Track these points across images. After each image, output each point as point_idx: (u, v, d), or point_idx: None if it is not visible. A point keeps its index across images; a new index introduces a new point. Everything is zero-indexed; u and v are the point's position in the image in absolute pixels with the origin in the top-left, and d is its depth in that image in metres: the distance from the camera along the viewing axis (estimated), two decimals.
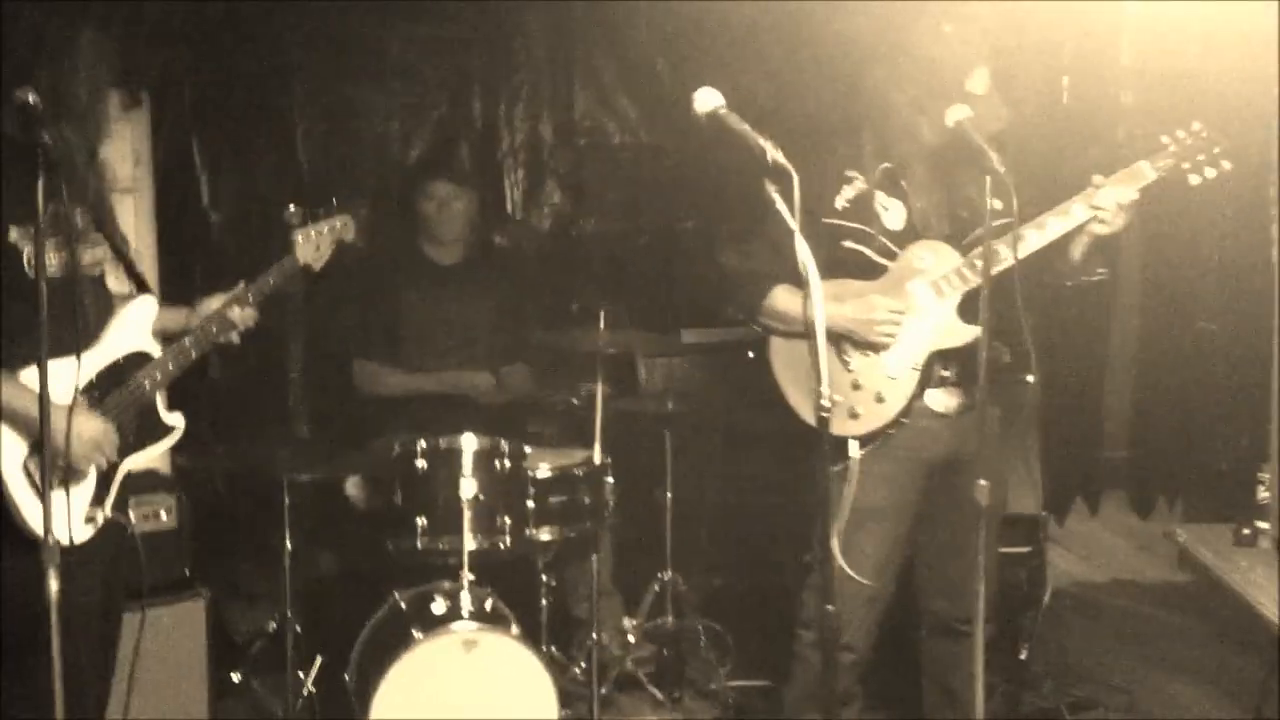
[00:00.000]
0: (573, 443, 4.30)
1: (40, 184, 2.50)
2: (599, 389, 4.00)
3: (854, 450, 3.14)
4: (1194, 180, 3.10)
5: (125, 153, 4.27)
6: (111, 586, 3.01)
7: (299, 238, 3.31)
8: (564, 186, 5.36)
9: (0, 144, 2.74)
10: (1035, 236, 3.11)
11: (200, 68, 4.78)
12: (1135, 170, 3.10)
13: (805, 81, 4.81)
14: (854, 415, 3.21)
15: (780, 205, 2.42)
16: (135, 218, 4.28)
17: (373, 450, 4.16)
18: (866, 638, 3.33)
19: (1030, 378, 3.92)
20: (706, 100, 2.50)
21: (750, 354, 4.06)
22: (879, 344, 3.20)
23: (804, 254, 2.42)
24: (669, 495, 4.36)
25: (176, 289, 3.62)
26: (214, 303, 3.14)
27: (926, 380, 3.23)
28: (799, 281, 3.26)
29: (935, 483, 3.32)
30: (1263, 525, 2.95)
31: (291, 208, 3.39)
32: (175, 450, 3.70)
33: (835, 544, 2.55)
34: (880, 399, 3.21)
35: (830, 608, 2.47)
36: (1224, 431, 5.26)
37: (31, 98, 2.53)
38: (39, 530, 2.67)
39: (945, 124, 2.94)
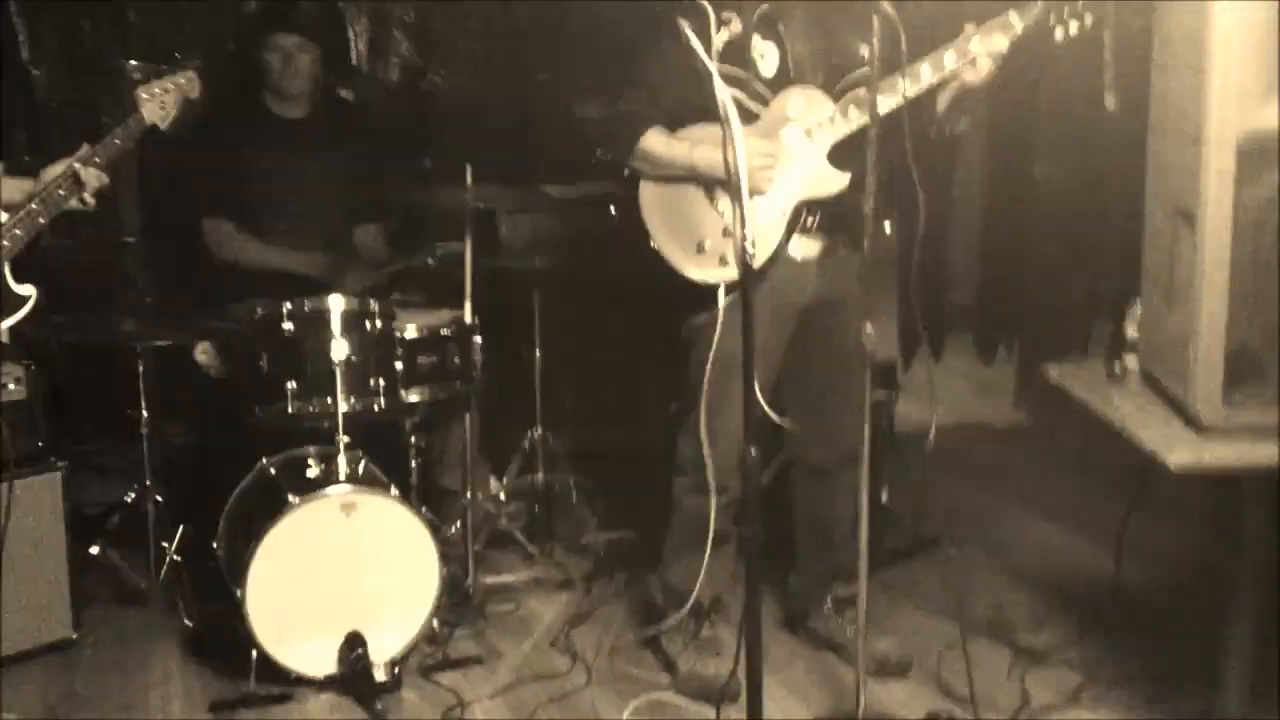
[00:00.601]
0: (434, 304, 4.22)
1: None
2: (467, 246, 3.91)
3: (721, 297, 3.14)
4: (1059, 35, 3.14)
5: None
6: None
7: (144, 94, 3.18)
8: (411, 37, 5.17)
9: None
10: (927, 74, 3.12)
11: None
12: (1005, 21, 3.13)
13: None
14: (723, 261, 3.20)
15: (696, 44, 2.38)
16: None
17: (228, 314, 4.01)
18: (736, 478, 3.39)
19: (887, 225, 4.01)
20: None
21: (613, 209, 4.03)
22: (755, 189, 3.18)
23: (722, 93, 2.39)
24: (538, 353, 4.33)
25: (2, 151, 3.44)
26: (58, 168, 2.99)
27: (794, 226, 3.25)
28: (670, 124, 3.28)
29: (802, 328, 3.36)
30: (1130, 360, 3.07)
31: (132, 63, 3.24)
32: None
33: (756, 388, 2.55)
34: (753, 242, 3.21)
35: (753, 449, 2.48)
36: (1060, 277, 5.46)
37: None
38: None
39: None
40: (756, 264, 3.16)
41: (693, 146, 3.23)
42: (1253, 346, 2.66)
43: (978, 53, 3.12)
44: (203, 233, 4.29)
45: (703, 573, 3.19)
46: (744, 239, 2.45)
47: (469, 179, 3.91)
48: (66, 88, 4.69)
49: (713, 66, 2.42)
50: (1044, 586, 4.00)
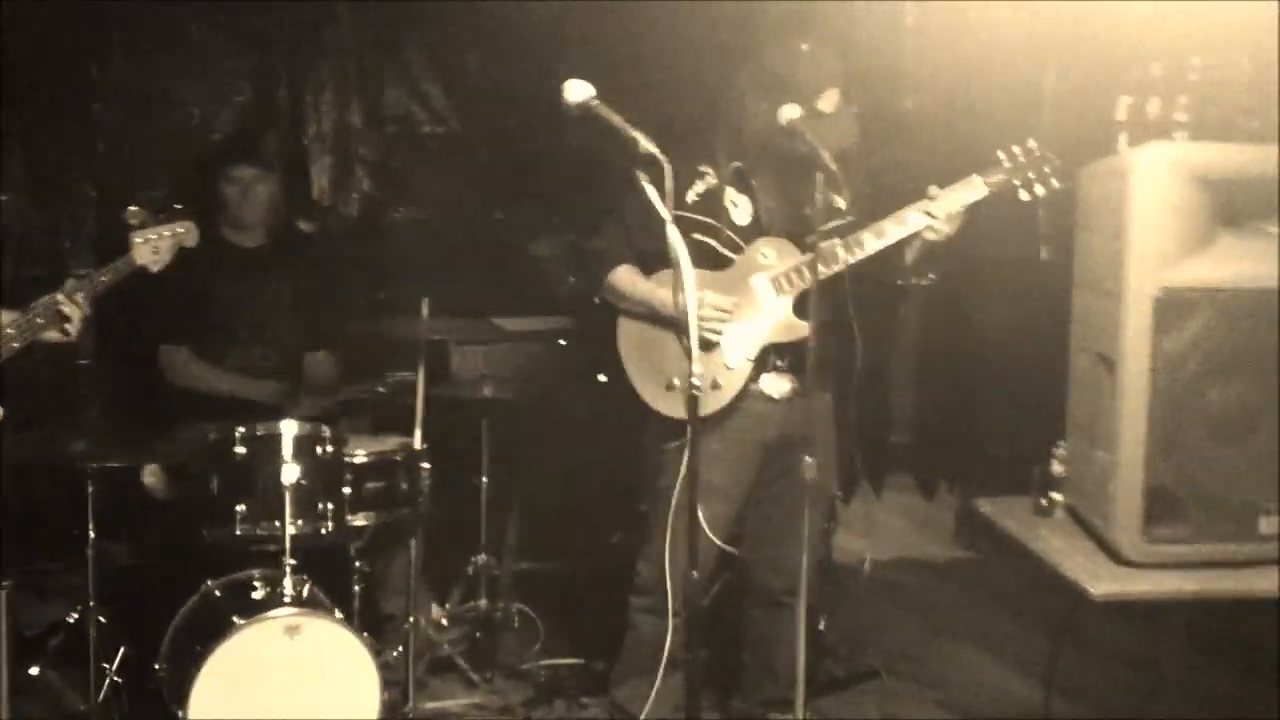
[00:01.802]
0: (382, 431, 4.30)
1: None
2: (420, 374, 4.03)
3: (690, 431, 3.25)
4: (1024, 196, 3.32)
5: None
6: None
7: (138, 239, 3.30)
8: (372, 174, 5.33)
9: None
10: (872, 241, 3.29)
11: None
12: (970, 183, 3.30)
13: (655, 79, 4.92)
14: (694, 399, 3.32)
15: (651, 193, 2.55)
16: None
17: (178, 438, 4.06)
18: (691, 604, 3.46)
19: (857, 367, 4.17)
20: (578, 91, 2.64)
21: (562, 341, 4.17)
22: (704, 339, 3.33)
23: (675, 240, 2.57)
24: (484, 480, 4.41)
25: None
26: (44, 300, 3.07)
27: (761, 368, 3.40)
28: (642, 265, 3.45)
29: (767, 463, 3.49)
30: (1057, 497, 3.20)
31: (132, 207, 3.36)
32: None
33: (700, 513, 2.66)
34: (716, 385, 3.35)
35: (694, 573, 2.61)
36: (1002, 418, 5.64)
37: None
38: None
39: (779, 123, 3.10)
40: (724, 401, 3.36)
41: (657, 287, 3.38)
42: (1170, 485, 2.80)
43: (938, 213, 3.28)
44: (157, 358, 4.36)
45: (653, 695, 3.25)
46: (691, 377, 2.58)
47: (424, 311, 4.02)
48: (32, 215, 4.77)
49: (666, 215, 2.57)
50: (975, 718, 4.06)
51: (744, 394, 3.39)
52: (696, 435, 2.69)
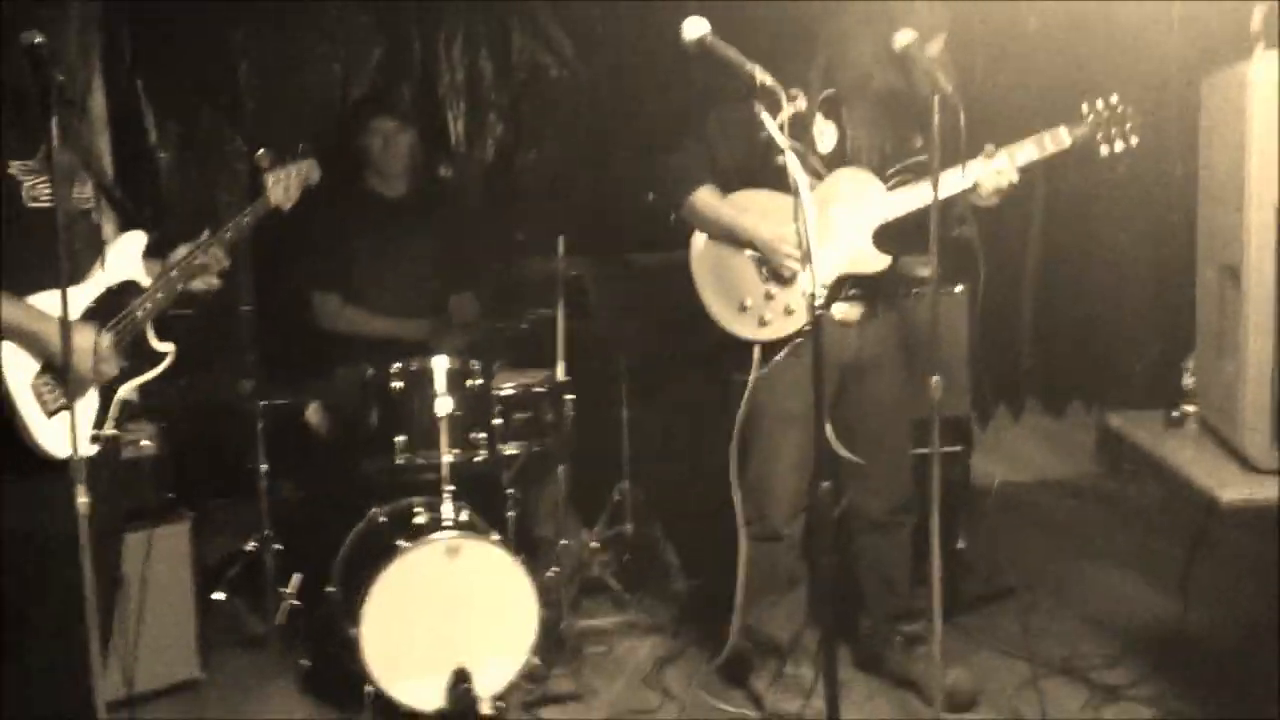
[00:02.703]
0: (525, 364, 4.49)
1: (55, 122, 2.58)
2: (560, 310, 4.20)
3: (757, 356, 3.39)
4: (1104, 151, 3.35)
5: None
6: (112, 507, 3.14)
7: (269, 180, 3.42)
8: (505, 121, 5.50)
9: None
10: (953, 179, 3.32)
11: (143, 12, 4.83)
12: (1055, 134, 3.33)
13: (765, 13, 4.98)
14: (763, 323, 3.44)
15: (769, 124, 2.64)
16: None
17: (338, 377, 4.31)
18: (798, 527, 3.61)
19: (959, 289, 4.22)
20: (694, 28, 2.73)
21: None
22: (778, 272, 3.44)
23: (795, 170, 2.66)
24: (625, 412, 4.58)
25: (133, 225, 3.72)
26: (183, 250, 3.24)
27: (834, 296, 3.48)
28: (723, 186, 3.53)
29: (844, 387, 3.57)
30: (1189, 408, 3.25)
31: (261, 151, 3.50)
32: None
33: (829, 431, 2.78)
34: (789, 310, 3.44)
35: (825, 483, 2.71)
36: (1134, 333, 5.63)
37: (39, 39, 2.62)
38: (50, 449, 2.84)
39: (894, 49, 3.16)
40: (796, 326, 3.43)
41: (740, 212, 3.48)
42: None
43: (1008, 163, 3.32)
44: (312, 304, 4.60)
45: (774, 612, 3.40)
46: (816, 304, 2.69)
47: (560, 249, 4.18)
48: (189, 170, 5.04)
49: (786, 145, 2.67)
50: (1116, 630, 4.12)
51: (814, 320, 3.46)
52: (819, 344, 2.75)
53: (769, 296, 3.45)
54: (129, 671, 3.51)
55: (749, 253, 3.49)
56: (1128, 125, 3.33)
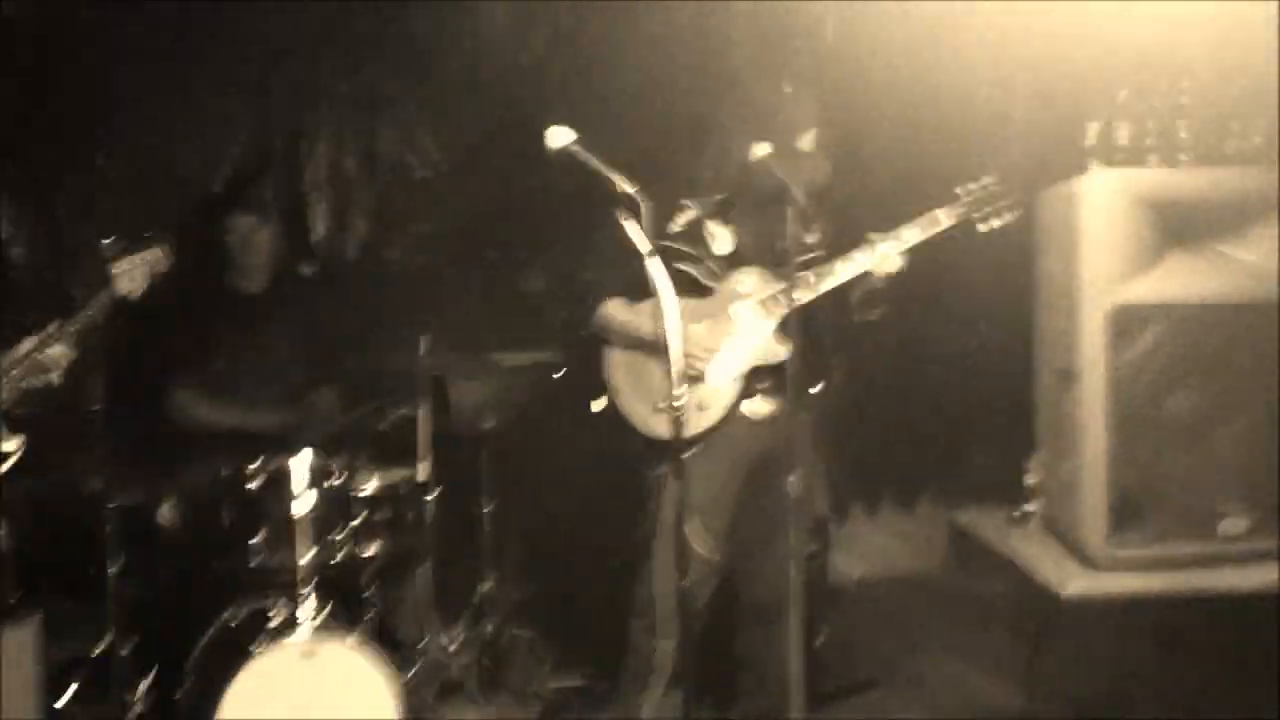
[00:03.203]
0: (384, 462, 4.46)
1: None
2: (421, 409, 4.20)
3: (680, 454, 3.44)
4: (982, 228, 3.52)
5: None
6: None
7: (116, 269, 3.38)
8: (368, 218, 5.51)
9: None
10: (841, 271, 3.50)
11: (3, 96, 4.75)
12: (931, 217, 3.51)
13: (639, 117, 5.10)
14: (678, 422, 3.50)
15: (631, 230, 2.71)
16: None
17: (192, 474, 4.22)
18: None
19: (814, 389, 4.34)
20: (558, 137, 2.79)
21: (555, 375, 4.34)
22: (691, 371, 3.53)
23: (657, 273, 2.72)
24: (486, 509, 4.57)
25: None
26: (26, 345, 3.17)
27: (745, 391, 3.58)
28: (632, 295, 3.63)
29: (751, 481, 3.66)
30: (1030, 507, 3.38)
31: (108, 240, 3.45)
32: None
33: (688, 529, 2.84)
34: (702, 407, 3.54)
35: (685, 582, 2.76)
36: (973, 435, 5.83)
37: None
38: None
39: (749, 159, 3.29)
40: (710, 422, 3.56)
41: (644, 318, 3.57)
42: (1132, 490, 3.00)
43: (894, 247, 3.48)
44: (167, 399, 4.52)
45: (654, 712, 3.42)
46: (675, 404, 2.77)
47: (422, 347, 4.19)
48: (41, 261, 4.93)
49: (644, 249, 2.73)
50: None
51: (729, 416, 3.58)
52: (682, 457, 2.83)
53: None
54: None
55: (658, 357, 3.57)
56: (1001, 204, 3.47)
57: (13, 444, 3.13)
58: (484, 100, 5.51)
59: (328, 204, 5.46)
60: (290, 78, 5.31)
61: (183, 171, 5.19)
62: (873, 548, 5.86)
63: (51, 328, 3.18)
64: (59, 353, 3.17)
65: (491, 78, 5.46)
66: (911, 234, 3.48)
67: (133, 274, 3.40)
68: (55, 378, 3.18)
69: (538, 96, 5.39)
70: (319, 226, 5.44)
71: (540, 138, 2.85)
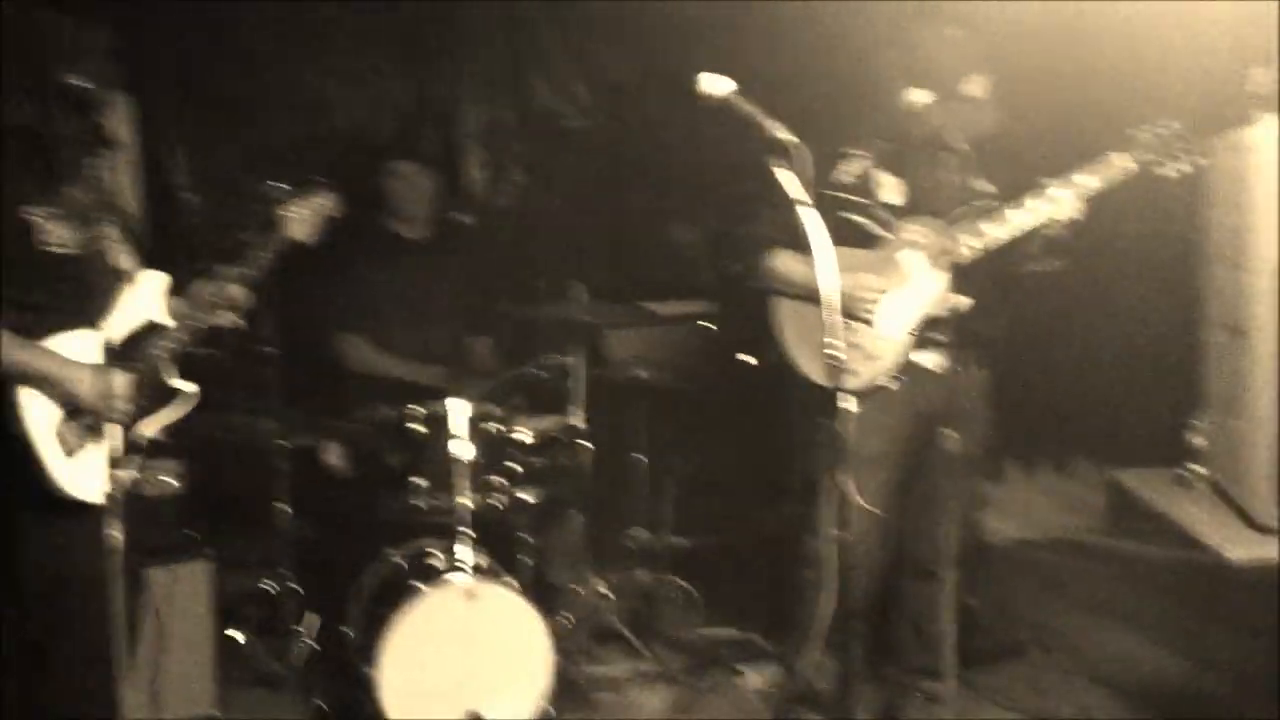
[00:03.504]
0: (539, 409, 4.54)
1: (89, 164, 2.63)
2: (576, 358, 4.24)
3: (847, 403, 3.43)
4: (1169, 173, 3.36)
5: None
6: (134, 544, 3.16)
7: (287, 214, 3.42)
8: (524, 168, 5.57)
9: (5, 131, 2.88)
10: (1015, 218, 3.40)
11: (178, 55, 4.91)
12: (1106, 162, 3.37)
13: (808, 63, 5.05)
14: (841, 370, 3.49)
15: (784, 178, 2.67)
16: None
17: (357, 418, 4.34)
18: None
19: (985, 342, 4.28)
20: (716, 84, 2.72)
21: (700, 324, 4.32)
22: (855, 315, 3.50)
23: (813, 223, 2.68)
24: (643, 459, 4.61)
25: (155, 264, 3.76)
26: (203, 288, 3.26)
27: (916, 341, 3.54)
28: (798, 247, 3.60)
29: (919, 434, 3.63)
30: (1197, 468, 3.28)
31: (278, 185, 3.52)
32: None
33: (850, 480, 2.82)
34: (872, 356, 3.50)
35: (846, 534, 2.78)
36: (1143, 394, 5.66)
37: (84, 82, 2.68)
38: (70, 490, 2.87)
39: (905, 107, 3.22)
40: (880, 371, 3.52)
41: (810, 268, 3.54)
42: None
43: (1072, 194, 3.39)
44: (333, 345, 4.66)
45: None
46: (835, 354, 2.74)
47: (577, 296, 4.24)
48: (212, 208, 5.09)
49: (799, 200, 2.69)
50: (1124, 689, 4.11)
51: (899, 366, 3.54)
52: (846, 407, 2.80)
53: (853, 345, 3.51)
54: (148, 706, 3.53)
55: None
56: (1184, 148, 3.34)
57: (192, 387, 3.23)
58: (636, 49, 5.52)
59: (484, 154, 5.54)
60: (448, 30, 5.38)
61: (347, 121, 5.31)
62: (1029, 508, 5.77)
63: (226, 271, 3.26)
64: (234, 295, 3.25)
65: (643, 27, 5.45)
66: (1087, 180, 3.38)
67: (303, 219, 3.43)
68: (230, 320, 3.27)
69: (691, 44, 5.37)
70: (476, 175, 5.53)
71: (694, 86, 2.79)
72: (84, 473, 2.91)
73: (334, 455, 4.43)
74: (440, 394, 4.02)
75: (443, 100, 5.47)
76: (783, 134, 2.72)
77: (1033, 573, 5.26)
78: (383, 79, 5.36)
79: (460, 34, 5.43)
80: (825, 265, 2.72)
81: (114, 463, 2.97)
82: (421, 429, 3.85)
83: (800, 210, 2.70)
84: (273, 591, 4.28)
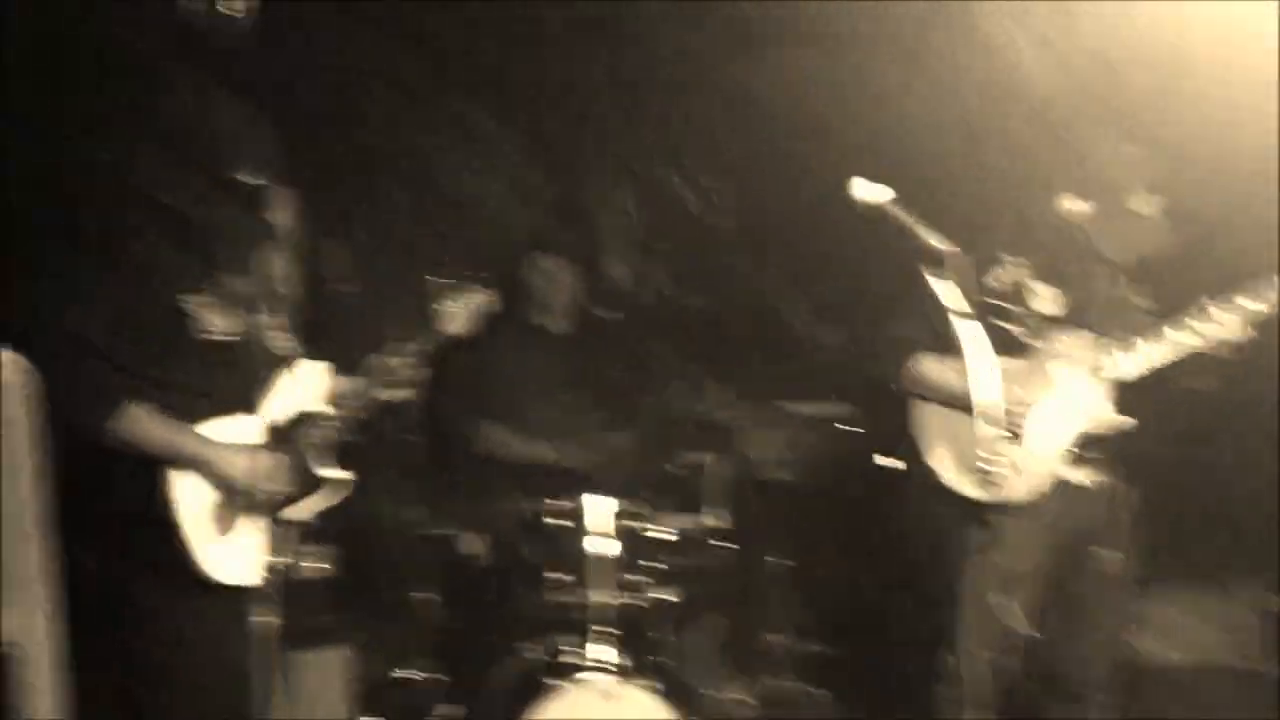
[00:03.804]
0: (677, 508, 4.50)
1: (262, 257, 2.68)
2: (716, 457, 4.21)
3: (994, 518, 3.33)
4: None
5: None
6: (279, 630, 3.18)
7: (443, 309, 3.47)
8: (666, 262, 5.59)
9: (168, 216, 2.93)
10: (1158, 347, 3.31)
11: (334, 145, 5.04)
12: (1277, 285, 3.25)
13: (956, 168, 5.01)
14: (994, 484, 3.39)
15: (936, 286, 2.62)
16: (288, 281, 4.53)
17: (495, 508, 4.35)
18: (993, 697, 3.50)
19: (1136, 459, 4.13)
20: (868, 190, 2.68)
21: (851, 429, 4.26)
22: (1006, 433, 3.40)
23: (972, 333, 2.62)
24: (781, 561, 4.53)
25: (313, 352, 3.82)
26: (384, 363, 3.30)
27: (1068, 457, 3.43)
28: (944, 351, 3.54)
29: (1072, 553, 3.50)
30: None
31: (439, 281, 3.59)
32: None
33: (1000, 600, 2.73)
34: (1018, 470, 3.40)
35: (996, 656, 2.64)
36: None
37: (259, 179, 2.75)
38: (217, 575, 2.88)
39: (1063, 215, 3.15)
40: (1029, 487, 3.41)
41: (958, 375, 3.47)
42: None
43: (1236, 317, 3.28)
44: (475, 432, 4.69)
45: None
46: (989, 468, 2.65)
47: (716, 393, 4.21)
48: (369, 296, 5.19)
49: (954, 309, 2.63)
50: None
51: (1048, 482, 3.43)
52: (999, 522, 2.72)
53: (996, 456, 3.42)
54: None
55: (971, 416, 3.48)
56: None
57: (345, 475, 3.26)
58: (785, 148, 5.53)
59: (627, 249, 5.57)
60: (594, 125, 5.46)
61: (498, 214, 5.39)
62: (1184, 630, 5.52)
63: (400, 347, 3.31)
64: (406, 370, 3.29)
65: (791, 125, 5.47)
66: (1252, 304, 3.26)
67: (459, 314, 3.50)
68: (401, 395, 3.32)
69: (840, 143, 5.37)
70: (618, 271, 5.56)
71: (843, 187, 2.76)
72: (233, 557, 2.93)
73: (473, 545, 4.43)
74: (580, 489, 4.01)
75: (586, 195, 5.53)
76: (940, 243, 2.67)
77: (1186, 699, 5.02)
78: (527, 173, 5.44)
79: (606, 129, 5.49)
80: (984, 376, 2.65)
81: (264, 548, 3.02)
82: (560, 523, 3.84)
83: (958, 320, 2.65)
84: (411, 680, 4.26)
